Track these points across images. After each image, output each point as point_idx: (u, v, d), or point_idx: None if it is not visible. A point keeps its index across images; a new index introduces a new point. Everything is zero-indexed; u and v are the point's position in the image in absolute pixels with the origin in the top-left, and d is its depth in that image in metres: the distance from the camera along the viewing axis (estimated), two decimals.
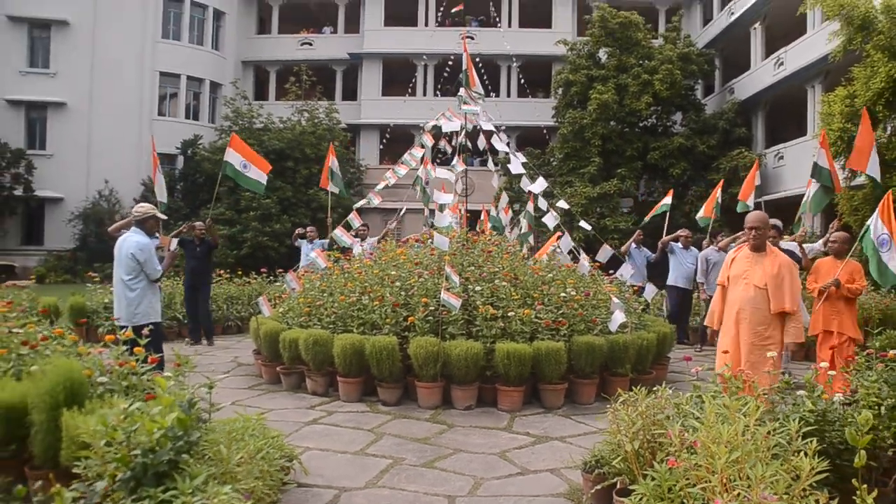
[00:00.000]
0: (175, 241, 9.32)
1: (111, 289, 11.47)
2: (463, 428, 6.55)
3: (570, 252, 9.54)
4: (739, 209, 9.45)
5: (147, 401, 3.73)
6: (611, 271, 9.84)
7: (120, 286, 7.03)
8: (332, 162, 11.59)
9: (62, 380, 4.11)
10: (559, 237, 9.65)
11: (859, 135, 8.20)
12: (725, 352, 5.43)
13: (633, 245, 12.58)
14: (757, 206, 22.81)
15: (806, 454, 2.64)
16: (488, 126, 9.43)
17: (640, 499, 3.33)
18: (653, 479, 3.30)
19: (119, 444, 3.09)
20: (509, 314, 7.64)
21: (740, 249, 5.83)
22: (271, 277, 15.13)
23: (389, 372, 7.34)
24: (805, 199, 9.07)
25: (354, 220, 10.22)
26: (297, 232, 14.41)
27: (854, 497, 2.51)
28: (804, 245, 8.48)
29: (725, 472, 2.73)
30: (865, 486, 2.45)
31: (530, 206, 9.53)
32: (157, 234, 9.79)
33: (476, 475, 5.13)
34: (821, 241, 8.45)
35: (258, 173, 10.59)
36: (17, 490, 2.75)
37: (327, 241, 12.86)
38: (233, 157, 10.56)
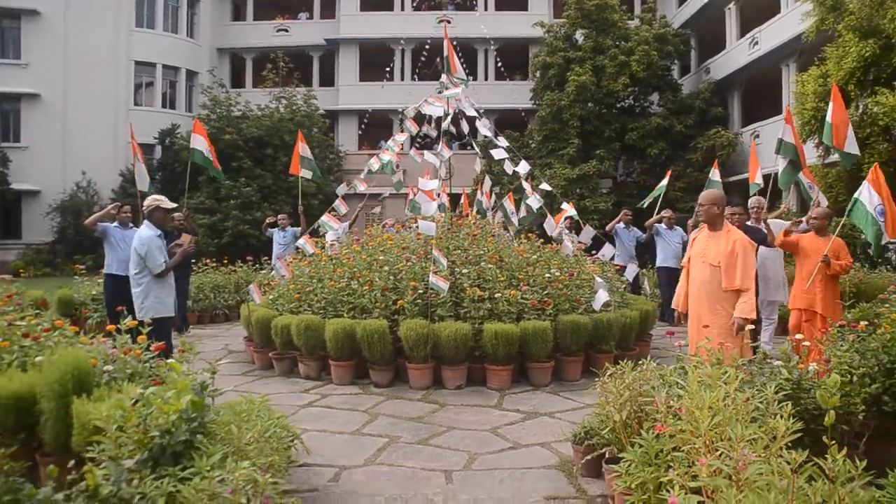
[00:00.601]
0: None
1: (98, 280, 11.58)
2: (455, 407, 6.75)
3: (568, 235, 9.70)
4: (752, 191, 9.52)
5: (154, 386, 3.88)
6: (593, 252, 10.03)
7: (131, 280, 7.04)
8: (301, 148, 11.52)
9: (70, 368, 4.24)
10: (566, 218, 9.85)
11: (834, 113, 8.17)
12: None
13: (622, 225, 12.69)
14: (734, 185, 23.19)
15: (782, 417, 2.85)
16: (471, 111, 9.56)
17: (629, 465, 3.54)
18: (640, 446, 3.52)
19: (135, 427, 3.25)
20: (496, 295, 7.85)
21: (702, 230, 5.88)
22: (257, 265, 15.22)
23: (381, 354, 7.53)
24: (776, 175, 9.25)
25: (341, 206, 10.33)
26: (267, 220, 14.26)
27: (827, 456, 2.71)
28: (775, 222, 8.50)
29: (708, 435, 2.94)
30: (835, 443, 2.66)
31: (529, 191, 9.67)
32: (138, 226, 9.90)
33: (470, 450, 5.33)
34: (804, 219, 8.45)
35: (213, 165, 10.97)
36: (50, 469, 2.89)
37: (299, 229, 12.99)
38: (199, 142, 10.68)
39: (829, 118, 8.22)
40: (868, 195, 7.16)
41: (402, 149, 10.45)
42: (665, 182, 12.76)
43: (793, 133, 8.54)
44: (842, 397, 4.31)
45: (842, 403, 4.26)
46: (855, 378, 4.47)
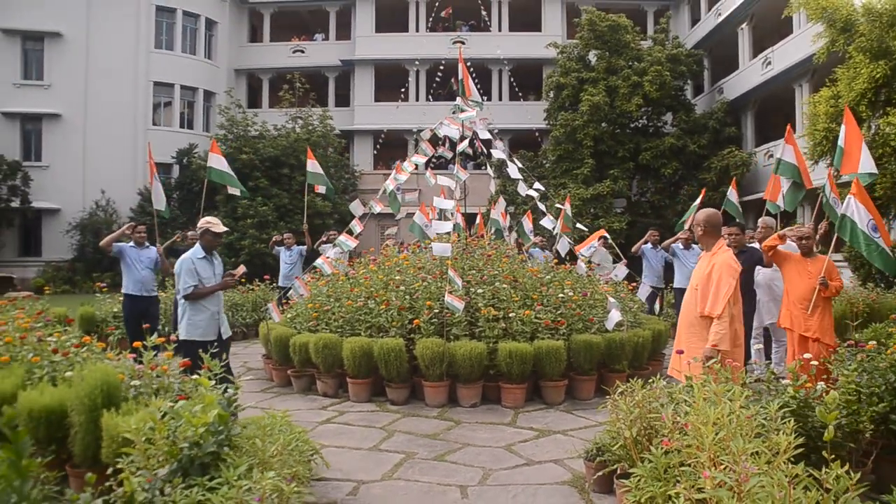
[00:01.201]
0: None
1: (119, 298, 11.78)
2: (469, 424, 6.87)
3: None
4: (771, 209, 9.31)
5: (179, 401, 4.04)
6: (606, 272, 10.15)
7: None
8: (309, 164, 11.65)
9: (99, 383, 4.42)
10: (600, 238, 10.01)
11: (846, 136, 7.92)
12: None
13: (649, 245, 12.57)
14: (749, 204, 23.19)
15: (784, 433, 2.96)
16: (485, 134, 9.73)
17: (639, 480, 3.66)
18: (650, 461, 3.64)
19: (164, 439, 3.40)
20: (510, 315, 7.98)
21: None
22: (274, 284, 15.40)
23: (397, 372, 7.67)
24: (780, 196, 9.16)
25: (356, 226, 10.50)
26: (273, 239, 14.48)
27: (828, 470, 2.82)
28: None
29: (713, 449, 3.06)
30: (835, 457, 2.77)
31: (568, 209, 9.81)
32: (154, 245, 10.04)
33: (485, 467, 5.46)
34: (788, 235, 7.48)
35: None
36: (88, 477, 3.04)
37: (304, 247, 13.20)
38: (216, 160, 10.80)
39: (841, 142, 8.01)
40: (857, 211, 6.92)
41: (416, 169, 10.63)
42: (698, 202, 12.66)
43: (794, 153, 8.33)
44: (849, 416, 4.41)
45: (848, 422, 4.36)
46: (863, 397, 4.58)
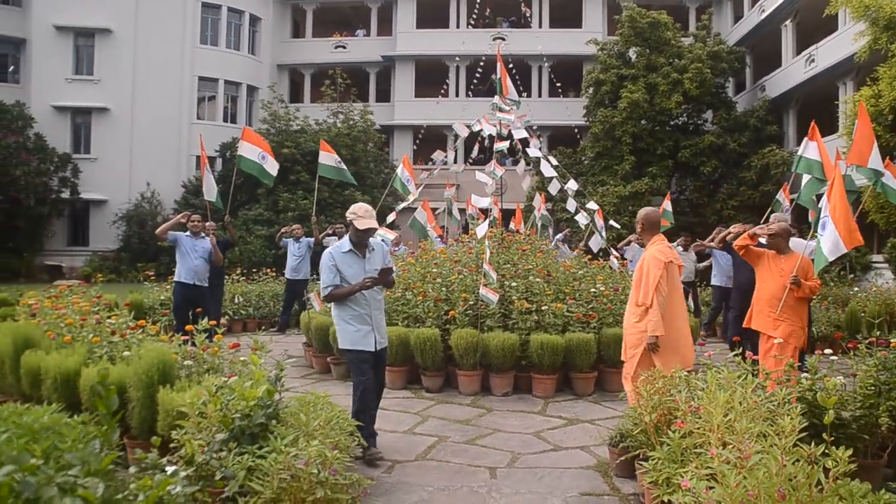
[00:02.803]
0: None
1: (167, 287, 12.20)
2: (501, 412, 7.14)
3: (601, 250, 10.06)
4: (775, 208, 9.15)
5: (230, 379, 4.36)
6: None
7: None
8: (322, 156, 11.12)
9: (156, 362, 4.78)
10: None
11: (858, 129, 7.89)
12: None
13: (681, 249, 12.59)
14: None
15: (791, 417, 3.17)
16: (521, 134, 9.92)
17: (657, 462, 3.89)
18: (667, 445, 3.86)
19: (217, 411, 3.72)
20: (543, 308, 8.23)
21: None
22: (314, 276, 15.75)
23: (432, 361, 7.96)
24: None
25: (393, 218, 10.77)
26: (282, 230, 14.13)
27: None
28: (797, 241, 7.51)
29: (721, 430, 3.28)
30: (844, 447, 2.97)
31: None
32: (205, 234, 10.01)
33: (514, 451, 5.72)
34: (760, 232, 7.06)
35: (273, 164, 10.81)
36: (154, 440, 3.38)
37: (313, 239, 12.94)
38: (248, 149, 10.70)
39: (853, 135, 8.01)
40: (825, 205, 6.47)
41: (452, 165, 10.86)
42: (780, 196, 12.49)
43: (819, 149, 8.17)
44: (866, 409, 4.58)
45: (865, 414, 4.53)
46: (882, 391, 4.74)
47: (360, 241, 5.52)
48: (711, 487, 2.90)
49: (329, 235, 13.96)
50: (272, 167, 10.84)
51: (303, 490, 3.21)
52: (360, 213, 5.46)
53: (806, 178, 8.36)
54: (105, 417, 2.28)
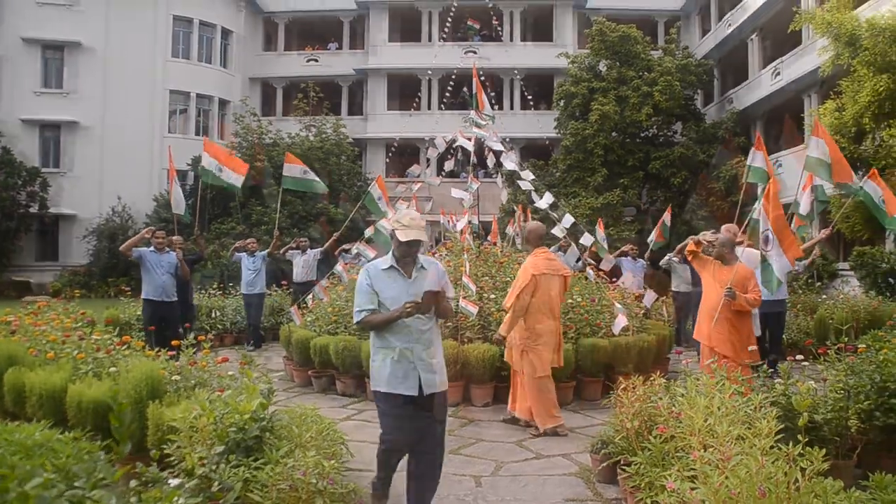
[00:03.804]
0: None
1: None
2: (482, 422, 7.27)
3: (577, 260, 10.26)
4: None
5: (219, 393, 4.43)
6: (614, 279, 10.52)
7: None
8: (286, 168, 11.23)
9: (144, 377, 4.83)
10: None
11: (830, 148, 8.08)
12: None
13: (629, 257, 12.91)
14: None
15: (767, 420, 3.33)
16: (497, 147, 10.09)
17: (639, 467, 4.03)
18: (649, 450, 4.01)
19: (211, 425, 3.79)
20: None
21: None
22: (290, 289, 15.77)
23: None
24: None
25: (371, 232, 10.86)
26: (236, 245, 13.89)
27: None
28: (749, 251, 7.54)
29: (702, 434, 3.43)
30: (817, 448, 3.13)
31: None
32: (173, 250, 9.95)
33: (497, 459, 5.84)
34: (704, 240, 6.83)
35: (233, 176, 10.74)
36: (153, 453, 3.44)
37: (266, 252, 13.04)
38: (208, 162, 10.73)
39: (824, 156, 8.15)
40: (761, 217, 6.54)
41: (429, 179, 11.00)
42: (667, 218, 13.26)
43: (765, 159, 8.36)
44: (836, 412, 4.78)
45: (836, 417, 4.72)
46: (850, 395, 4.93)
47: (405, 257, 4.40)
48: (695, 488, 3.04)
49: (292, 249, 13.85)
50: (232, 178, 10.80)
51: (301, 500, 3.30)
52: (405, 222, 4.32)
53: (760, 187, 8.49)
54: (117, 431, 2.35)
